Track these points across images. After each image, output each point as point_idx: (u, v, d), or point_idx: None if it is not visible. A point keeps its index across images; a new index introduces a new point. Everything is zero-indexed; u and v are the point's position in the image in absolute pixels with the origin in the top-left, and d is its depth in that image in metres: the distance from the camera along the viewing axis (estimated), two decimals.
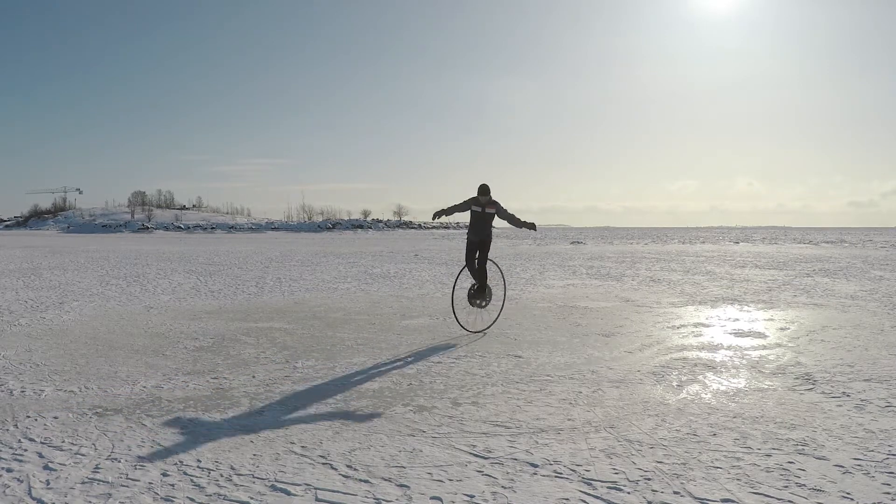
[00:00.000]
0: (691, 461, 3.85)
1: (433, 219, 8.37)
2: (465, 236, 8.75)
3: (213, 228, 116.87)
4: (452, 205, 8.30)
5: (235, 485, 3.56)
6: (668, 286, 14.64)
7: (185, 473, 3.72)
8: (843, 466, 3.78)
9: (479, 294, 8.53)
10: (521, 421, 4.66)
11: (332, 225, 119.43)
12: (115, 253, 31.51)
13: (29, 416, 4.79)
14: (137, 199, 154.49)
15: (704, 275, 17.84)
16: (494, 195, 8.25)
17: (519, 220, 8.32)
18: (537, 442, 4.22)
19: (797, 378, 5.90)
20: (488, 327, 8.40)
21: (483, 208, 8.22)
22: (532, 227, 8.30)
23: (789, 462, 3.84)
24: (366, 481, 3.60)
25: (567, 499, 3.38)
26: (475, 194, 8.30)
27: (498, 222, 8.62)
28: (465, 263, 8.56)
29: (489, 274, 8.64)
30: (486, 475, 3.68)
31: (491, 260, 8.66)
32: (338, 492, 3.47)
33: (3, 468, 3.80)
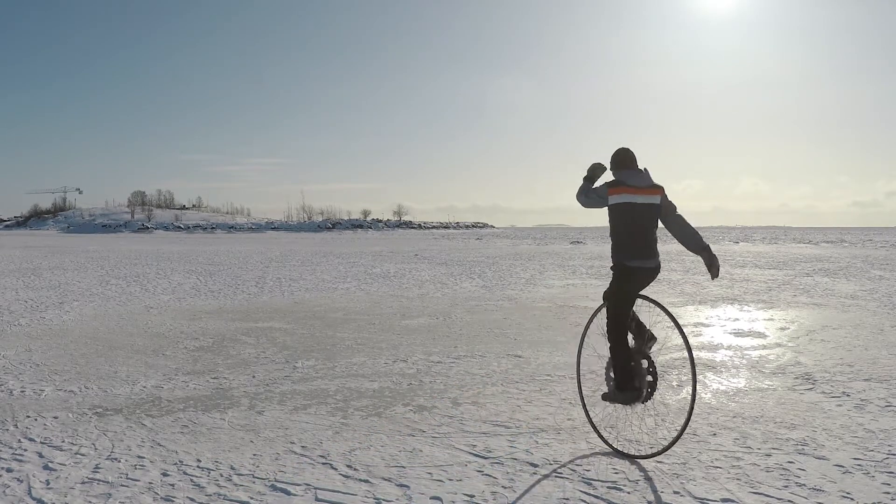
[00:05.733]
0: (691, 461, 3.85)
1: (584, 200, 4.27)
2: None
3: (213, 228, 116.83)
4: (589, 180, 4.31)
5: (235, 485, 3.56)
6: (668, 286, 14.63)
7: (185, 473, 3.72)
8: (843, 466, 3.78)
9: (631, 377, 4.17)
10: (521, 421, 4.66)
11: (332, 225, 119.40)
12: (115, 253, 31.50)
13: (29, 416, 4.78)
14: (137, 199, 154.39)
15: (704, 274, 17.83)
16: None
17: (697, 235, 4.23)
18: (537, 442, 4.22)
19: (797, 378, 5.89)
20: (667, 447, 3.94)
21: (642, 194, 4.16)
22: (711, 259, 4.10)
23: (789, 462, 3.83)
24: (366, 481, 3.60)
25: (567, 499, 3.38)
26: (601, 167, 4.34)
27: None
28: (612, 315, 4.21)
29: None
30: (486, 475, 3.67)
31: (646, 298, 4.30)
32: (338, 492, 3.47)
33: (3, 468, 3.80)
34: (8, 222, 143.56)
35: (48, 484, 3.58)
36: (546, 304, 11.47)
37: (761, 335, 8.18)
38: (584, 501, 3.35)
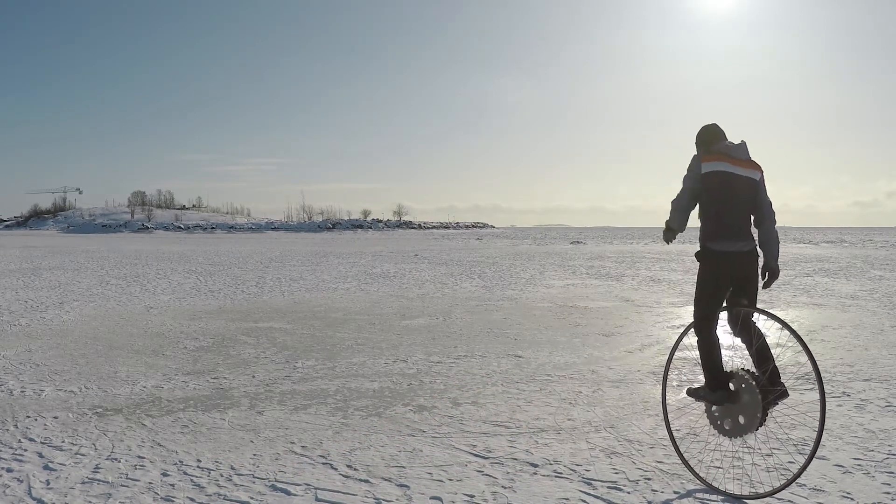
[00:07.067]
0: (691, 461, 3.84)
1: (668, 240, 4.03)
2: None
3: (213, 228, 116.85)
4: (678, 202, 3.80)
5: (235, 485, 3.56)
6: (668, 286, 14.63)
7: (185, 473, 3.72)
8: (843, 466, 3.78)
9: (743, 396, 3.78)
10: (521, 421, 4.66)
11: (332, 225, 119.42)
12: (115, 253, 31.50)
13: (29, 416, 4.78)
14: (137, 199, 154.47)
15: None
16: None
17: (778, 244, 3.82)
18: (537, 442, 4.21)
19: (797, 378, 5.88)
20: (779, 490, 3.39)
21: (742, 166, 3.59)
22: (774, 275, 3.80)
23: (790, 462, 3.83)
24: (366, 481, 3.60)
25: (567, 499, 3.38)
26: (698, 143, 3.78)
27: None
28: (699, 314, 4.10)
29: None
30: (486, 475, 3.67)
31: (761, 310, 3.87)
32: (338, 492, 3.47)
33: (3, 468, 3.80)
34: (8, 222, 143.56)
35: (48, 484, 3.58)
36: (546, 304, 11.47)
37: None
38: (584, 501, 3.35)
